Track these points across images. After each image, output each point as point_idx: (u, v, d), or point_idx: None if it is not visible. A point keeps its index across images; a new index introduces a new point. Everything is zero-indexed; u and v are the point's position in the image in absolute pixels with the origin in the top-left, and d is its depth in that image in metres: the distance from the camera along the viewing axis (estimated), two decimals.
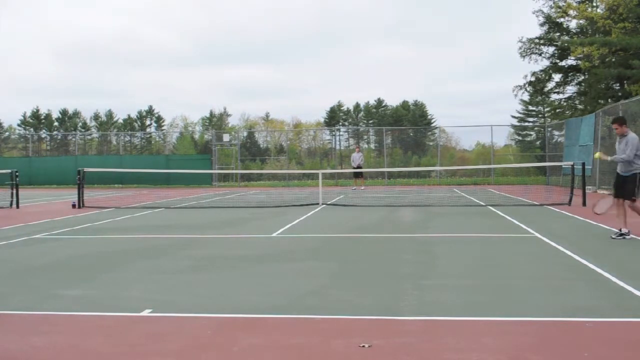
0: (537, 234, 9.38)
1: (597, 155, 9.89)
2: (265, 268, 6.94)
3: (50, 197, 22.52)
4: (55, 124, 79.20)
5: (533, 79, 32.95)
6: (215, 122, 77.96)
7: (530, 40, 32.26)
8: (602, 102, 28.51)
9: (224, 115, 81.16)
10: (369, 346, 3.91)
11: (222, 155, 38.55)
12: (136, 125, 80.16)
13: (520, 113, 62.41)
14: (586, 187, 15.57)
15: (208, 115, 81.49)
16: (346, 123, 79.26)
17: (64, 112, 79.38)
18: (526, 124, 60.98)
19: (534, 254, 7.62)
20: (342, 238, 9.58)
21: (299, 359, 3.76)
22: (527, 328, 4.31)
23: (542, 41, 32.42)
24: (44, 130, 76.81)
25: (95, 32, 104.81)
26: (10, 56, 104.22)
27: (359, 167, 25.19)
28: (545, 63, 32.86)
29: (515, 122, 60.92)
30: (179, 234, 10.27)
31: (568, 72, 32.74)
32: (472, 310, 4.80)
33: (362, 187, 25.69)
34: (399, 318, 4.61)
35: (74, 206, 16.23)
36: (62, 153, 63.26)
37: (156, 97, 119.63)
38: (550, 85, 34.15)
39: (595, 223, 10.84)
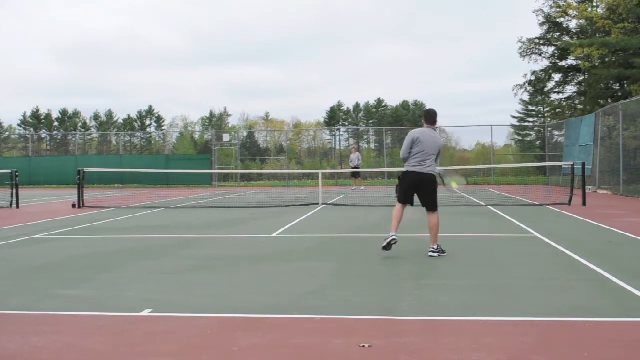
0: (537, 234, 9.38)
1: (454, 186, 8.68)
2: (265, 268, 6.93)
3: (50, 197, 22.52)
4: (55, 124, 79.20)
5: (533, 78, 32.99)
6: (215, 122, 77.96)
7: (530, 40, 32.28)
8: (602, 102, 28.53)
9: (224, 115, 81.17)
10: (369, 346, 3.90)
11: (222, 155, 38.55)
12: (136, 125, 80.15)
13: (520, 113, 62.49)
14: (586, 187, 15.56)
15: (208, 115, 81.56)
16: (346, 123, 79.26)
17: (64, 112, 79.39)
18: (526, 124, 61.01)
19: (534, 254, 7.62)
20: (342, 238, 9.58)
21: (298, 359, 3.76)
22: (527, 328, 4.31)
23: (542, 41, 32.45)
24: (44, 130, 76.81)
25: (96, 32, 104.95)
26: (10, 56, 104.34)
27: (356, 167, 25.31)
28: (545, 63, 32.92)
29: (515, 122, 61.01)
30: (179, 234, 10.27)
31: (568, 72, 32.77)
32: (472, 310, 4.80)
33: (362, 187, 25.73)
34: (399, 318, 4.61)
35: (74, 206, 16.23)
36: (62, 153, 63.26)
37: (156, 97, 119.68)
38: (550, 85, 34.19)
39: (595, 223, 10.84)
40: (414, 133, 7.60)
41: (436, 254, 7.35)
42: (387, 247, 7.38)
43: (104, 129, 77.71)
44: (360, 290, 5.62)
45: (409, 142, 7.54)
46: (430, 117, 7.75)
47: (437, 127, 7.72)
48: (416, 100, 79.94)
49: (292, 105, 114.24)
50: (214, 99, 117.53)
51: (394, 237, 7.40)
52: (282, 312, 4.86)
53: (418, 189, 7.51)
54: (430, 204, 7.53)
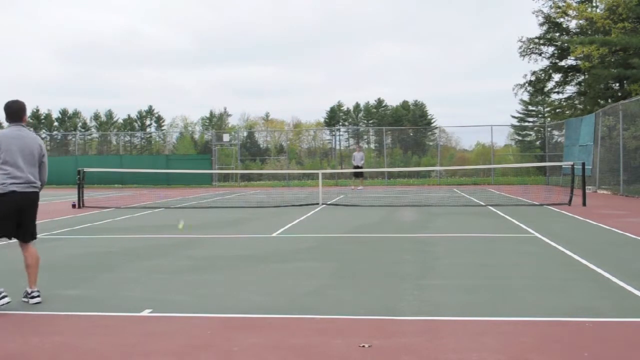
0: (537, 234, 9.38)
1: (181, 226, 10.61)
2: (265, 268, 6.93)
3: (50, 197, 22.51)
4: (55, 124, 79.23)
5: (533, 78, 32.97)
6: (215, 122, 77.97)
7: (530, 40, 32.27)
8: (602, 102, 28.52)
9: (224, 115, 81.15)
10: (369, 346, 3.90)
11: (222, 155, 38.53)
12: (136, 125, 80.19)
13: (520, 113, 62.55)
14: (586, 187, 15.56)
15: (208, 115, 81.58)
16: (346, 123, 79.27)
17: (64, 112, 79.44)
18: (526, 124, 61.04)
19: (534, 254, 7.62)
20: (342, 238, 9.58)
21: (299, 359, 3.76)
22: (527, 328, 4.31)
23: (542, 41, 32.43)
24: (43, 130, 76.79)
25: (96, 32, 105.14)
26: (10, 56, 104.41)
27: (359, 167, 25.07)
28: (545, 63, 32.90)
29: (515, 122, 61.06)
30: (179, 234, 10.27)
31: (568, 72, 32.75)
32: (472, 310, 4.80)
33: (360, 187, 25.50)
34: (399, 318, 4.61)
35: (74, 206, 16.22)
36: (62, 153, 63.16)
37: (156, 97, 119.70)
38: (550, 85, 34.18)
39: (595, 223, 10.84)
40: None
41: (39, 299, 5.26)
42: None
43: (104, 129, 77.72)
44: (361, 290, 5.62)
45: None
46: (8, 113, 5.42)
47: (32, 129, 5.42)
48: (416, 100, 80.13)
49: (292, 105, 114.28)
50: (214, 99, 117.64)
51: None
52: (282, 312, 4.86)
53: (21, 214, 5.46)
54: (32, 231, 5.60)
